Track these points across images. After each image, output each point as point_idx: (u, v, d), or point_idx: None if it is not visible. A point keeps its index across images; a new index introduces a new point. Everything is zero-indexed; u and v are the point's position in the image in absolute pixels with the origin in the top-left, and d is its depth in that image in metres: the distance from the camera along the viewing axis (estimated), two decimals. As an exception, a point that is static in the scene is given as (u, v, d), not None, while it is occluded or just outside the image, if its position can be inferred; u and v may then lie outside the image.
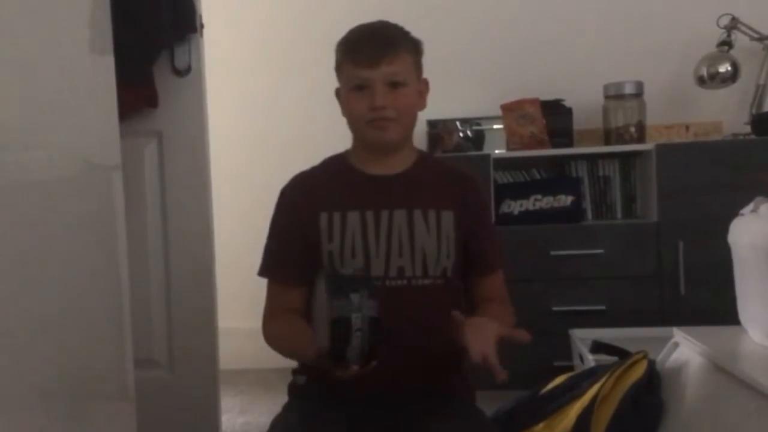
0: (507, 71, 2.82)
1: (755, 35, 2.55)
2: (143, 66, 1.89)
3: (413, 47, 1.18)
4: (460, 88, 2.76)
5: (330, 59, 1.21)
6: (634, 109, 2.55)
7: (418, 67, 1.19)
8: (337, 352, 0.92)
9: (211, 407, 2.02)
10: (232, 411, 2.39)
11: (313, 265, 1.16)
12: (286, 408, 1.17)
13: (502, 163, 2.62)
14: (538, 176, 2.67)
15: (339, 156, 1.26)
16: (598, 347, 1.61)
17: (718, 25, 2.53)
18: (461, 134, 2.66)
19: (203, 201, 2.02)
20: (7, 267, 1.03)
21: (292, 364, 1.23)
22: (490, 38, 2.85)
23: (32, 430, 1.09)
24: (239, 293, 2.23)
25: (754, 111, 2.55)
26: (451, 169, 1.27)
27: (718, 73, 2.52)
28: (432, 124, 2.72)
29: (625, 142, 2.54)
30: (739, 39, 2.54)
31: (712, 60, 2.53)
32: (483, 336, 1.02)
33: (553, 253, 2.39)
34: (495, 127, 2.71)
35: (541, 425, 1.37)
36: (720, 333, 1.30)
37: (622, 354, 1.47)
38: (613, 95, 2.57)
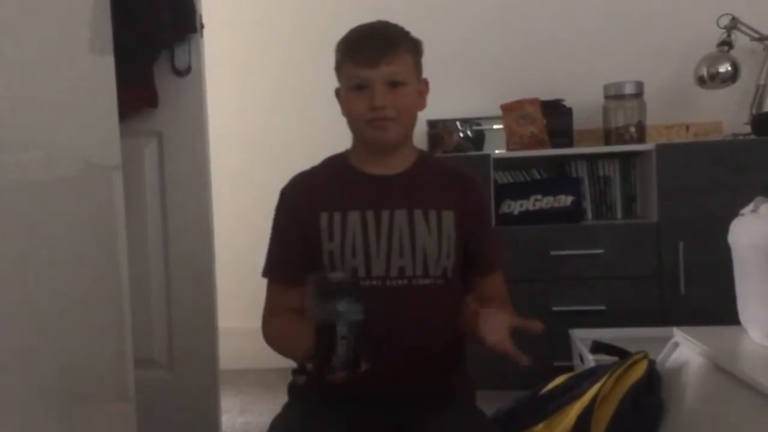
0: (507, 71, 2.82)
1: (755, 35, 2.55)
2: (143, 66, 1.89)
3: (413, 47, 1.18)
4: (460, 88, 2.76)
5: (329, 59, 1.21)
6: (634, 109, 2.55)
7: (417, 67, 1.19)
8: (322, 360, 0.90)
9: (211, 407, 2.02)
10: (232, 411, 2.39)
11: (313, 265, 1.16)
12: (286, 408, 1.17)
13: (502, 163, 2.62)
14: (538, 176, 2.67)
15: (339, 156, 1.26)
16: (598, 347, 1.61)
17: (718, 25, 2.53)
18: (461, 134, 2.66)
19: (203, 201, 2.02)
20: (7, 267, 1.03)
21: (292, 364, 1.22)
22: (490, 38, 2.85)
23: (32, 430, 1.09)
24: (239, 293, 2.23)
25: (754, 111, 2.55)
26: (451, 169, 1.27)
27: (718, 73, 2.52)
28: (432, 124, 2.72)
29: (625, 142, 2.54)
30: (740, 39, 2.54)
31: (713, 60, 2.53)
32: (497, 325, 1.01)
33: (553, 253, 2.39)
34: (495, 127, 2.71)
35: (541, 425, 1.37)
36: (720, 333, 1.30)
37: (622, 354, 1.47)
38: (613, 95, 2.57)
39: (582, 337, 2.02)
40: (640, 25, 2.75)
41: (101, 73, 1.36)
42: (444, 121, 2.67)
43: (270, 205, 1.26)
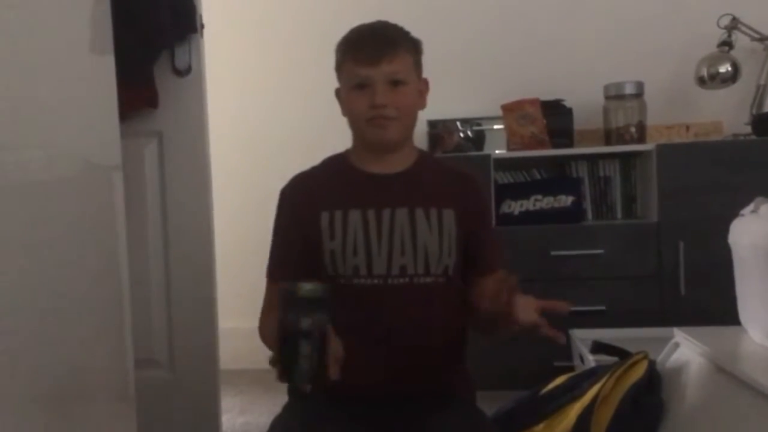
0: (507, 71, 2.82)
1: (756, 35, 2.55)
2: (143, 66, 1.89)
3: (413, 47, 1.18)
4: (460, 88, 2.76)
5: (330, 59, 1.21)
6: (635, 109, 2.54)
7: (418, 66, 1.19)
8: (285, 373, 0.88)
9: (212, 407, 2.02)
10: (232, 411, 2.39)
11: (313, 265, 1.16)
12: (286, 408, 1.17)
13: (502, 164, 2.62)
14: (538, 176, 2.67)
15: (339, 156, 1.26)
16: (598, 347, 1.60)
17: (718, 26, 2.53)
18: (462, 134, 2.66)
19: (203, 201, 2.02)
20: (7, 267, 1.03)
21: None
22: (490, 38, 2.85)
23: (32, 430, 1.09)
24: (239, 293, 2.23)
25: (754, 111, 2.55)
26: (451, 168, 1.27)
27: (718, 73, 2.52)
28: (432, 125, 2.71)
29: (625, 143, 2.54)
30: (740, 39, 2.53)
31: (713, 60, 2.53)
32: (528, 307, 1.01)
33: (553, 253, 2.39)
34: (495, 127, 2.71)
35: (541, 425, 1.37)
36: (720, 333, 1.30)
37: (622, 354, 1.47)
38: (614, 95, 2.57)
39: (582, 337, 2.02)
40: (640, 26, 2.75)
41: (101, 73, 1.36)
42: (444, 121, 2.67)
43: (270, 205, 1.26)
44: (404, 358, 1.13)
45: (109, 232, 1.37)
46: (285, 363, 0.87)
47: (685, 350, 1.32)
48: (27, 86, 1.12)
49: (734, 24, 2.52)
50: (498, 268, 1.25)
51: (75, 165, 1.25)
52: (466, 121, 2.70)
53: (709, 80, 2.53)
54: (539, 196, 2.55)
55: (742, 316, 1.26)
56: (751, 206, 1.24)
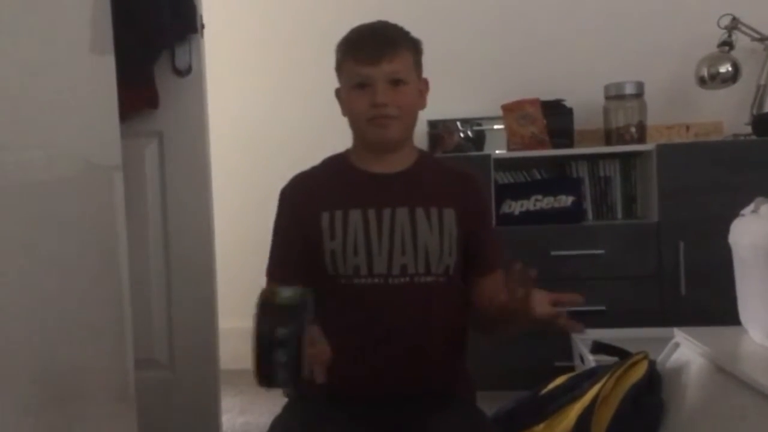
0: (507, 71, 2.82)
1: (756, 36, 2.55)
2: (144, 66, 1.89)
3: (413, 46, 1.18)
4: (461, 88, 2.76)
5: (330, 59, 1.21)
6: (635, 109, 2.54)
7: (418, 66, 1.19)
8: (264, 380, 0.89)
9: (212, 407, 2.02)
10: (233, 411, 2.39)
11: (312, 265, 1.16)
12: (286, 408, 1.17)
13: (502, 164, 2.62)
14: (538, 176, 2.67)
15: (339, 155, 1.26)
16: (598, 348, 1.60)
17: (718, 26, 2.53)
18: (462, 134, 2.66)
19: (203, 201, 2.02)
20: (7, 267, 1.03)
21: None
22: (490, 38, 2.84)
23: (32, 430, 1.09)
24: (239, 293, 2.22)
25: (754, 111, 2.55)
26: (451, 168, 1.27)
27: (718, 73, 2.52)
28: (432, 125, 2.71)
29: (625, 143, 2.54)
30: (740, 39, 2.53)
31: (713, 60, 2.53)
32: (542, 299, 1.02)
33: (553, 253, 2.39)
34: (496, 127, 2.71)
35: (541, 426, 1.37)
36: (721, 333, 1.30)
37: (622, 354, 1.47)
38: (614, 95, 2.57)
39: (582, 337, 2.02)
40: (640, 25, 2.75)
41: (102, 73, 1.36)
42: (444, 122, 2.67)
43: (270, 205, 1.26)
44: (404, 358, 1.13)
45: (109, 232, 1.37)
46: (262, 371, 0.88)
47: (686, 350, 1.32)
48: (27, 86, 1.12)
49: (734, 24, 2.52)
50: (498, 268, 1.25)
51: (75, 165, 1.25)
52: (466, 121, 2.70)
53: (710, 80, 2.53)
54: (539, 196, 2.55)
55: (743, 316, 1.26)
56: (752, 206, 1.24)
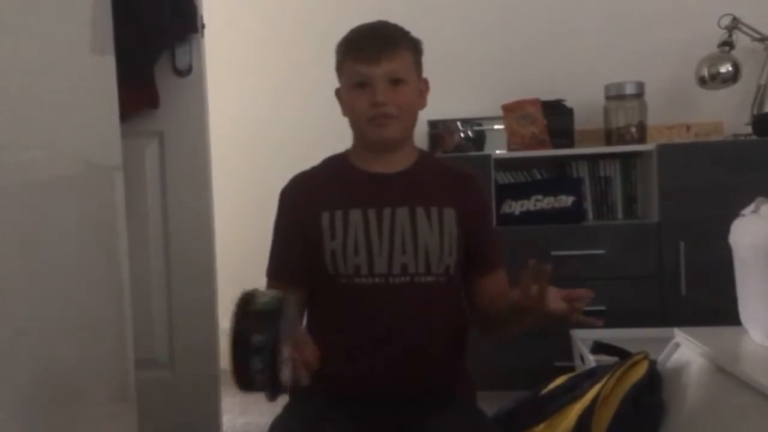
0: (507, 71, 2.82)
1: (756, 36, 2.54)
2: (144, 66, 1.89)
3: (413, 46, 1.19)
4: (461, 88, 2.76)
5: (330, 59, 1.21)
6: (635, 109, 2.54)
7: (418, 65, 1.20)
8: (243, 385, 0.87)
9: (212, 407, 2.02)
10: (233, 411, 2.39)
11: (313, 265, 1.16)
12: (287, 408, 1.17)
13: (503, 164, 2.62)
14: (539, 176, 2.67)
15: (339, 155, 1.26)
16: (598, 348, 1.60)
17: (719, 26, 2.53)
18: (462, 134, 2.66)
19: (204, 201, 2.03)
20: (7, 267, 1.03)
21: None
22: (490, 38, 2.84)
23: (32, 430, 1.09)
24: (239, 293, 2.22)
25: (755, 111, 2.55)
26: (451, 168, 1.27)
27: (719, 73, 2.52)
28: (433, 125, 2.71)
29: (626, 143, 2.54)
30: (740, 39, 2.53)
31: (713, 60, 2.53)
32: (555, 296, 1.04)
33: (553, 253, 2.39)
34: (496, 127, 2.71)
35: (541, 426, 1.37)
36: (721, 333, 1.29)
37: (622, 354, 1.47)
38: (614, 95, 2.57)
39: (583, 337, 2.02)
40: (640, 25, 2.75)
41: (102, 73, 1.36)
42: (445, 122, 2.67)
43: (270, 205, 1.26)
44: (404, 358, 1.13)
45: (109, 232, 1.37)
46: (240, 377, 0.86)
47: (686, 350, 1.32)
48: (27, 86, 1.12)
49: (735, 24, 2.52)
50: (498, 268, 1.25)
51: (75, 165, 1.25)
52: (466, 121, 2.70)
53: (710, 80, 2.53)
54: (540, 196, 2.55)
55: (743, 316, 1.26)
56: (752, 206, 1.24)
